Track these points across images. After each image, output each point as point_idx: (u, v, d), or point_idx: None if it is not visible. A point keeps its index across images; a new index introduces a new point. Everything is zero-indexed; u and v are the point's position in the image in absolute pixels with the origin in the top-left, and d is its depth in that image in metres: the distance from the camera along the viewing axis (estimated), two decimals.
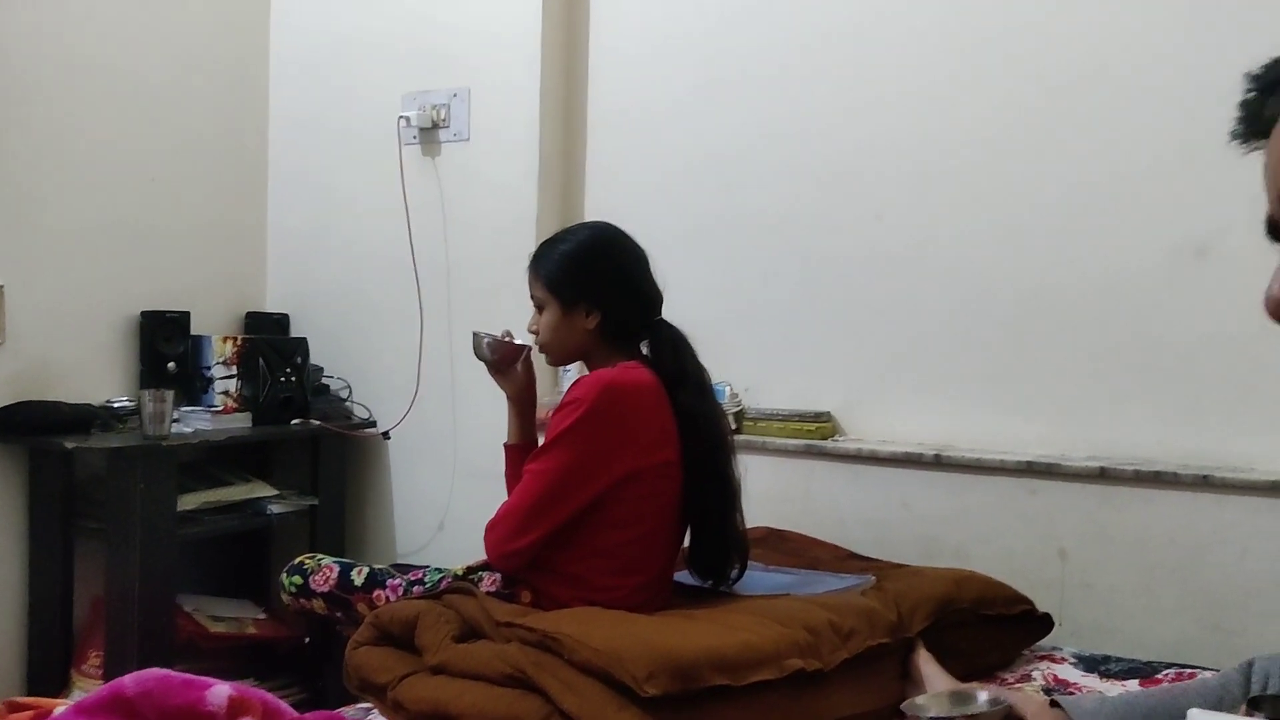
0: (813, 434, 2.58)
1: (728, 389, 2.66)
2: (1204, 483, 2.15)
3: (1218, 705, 1.52)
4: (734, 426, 2.62)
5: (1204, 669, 1.93)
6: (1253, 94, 0.69)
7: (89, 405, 2.73)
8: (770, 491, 2.56)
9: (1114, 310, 2.30)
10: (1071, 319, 2.35)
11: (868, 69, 2.58)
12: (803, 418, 2.61)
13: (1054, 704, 1.65)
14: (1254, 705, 1.09)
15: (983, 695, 1.13)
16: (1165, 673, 1.98)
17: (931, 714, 1.08)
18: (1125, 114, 2.29)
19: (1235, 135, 0.71)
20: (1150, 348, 2.26)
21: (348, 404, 3.15)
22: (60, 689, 2.62)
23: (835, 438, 2.60)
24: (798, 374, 2.68)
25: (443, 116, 2.98)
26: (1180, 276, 2.23)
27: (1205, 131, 2.17)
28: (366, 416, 3.13)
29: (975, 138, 2.45)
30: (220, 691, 1.23)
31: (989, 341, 2.45)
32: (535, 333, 2.03)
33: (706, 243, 2.78)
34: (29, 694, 2.58)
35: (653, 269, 2.04)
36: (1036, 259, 2.39)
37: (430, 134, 3.00)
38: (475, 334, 2.10)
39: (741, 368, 2.71)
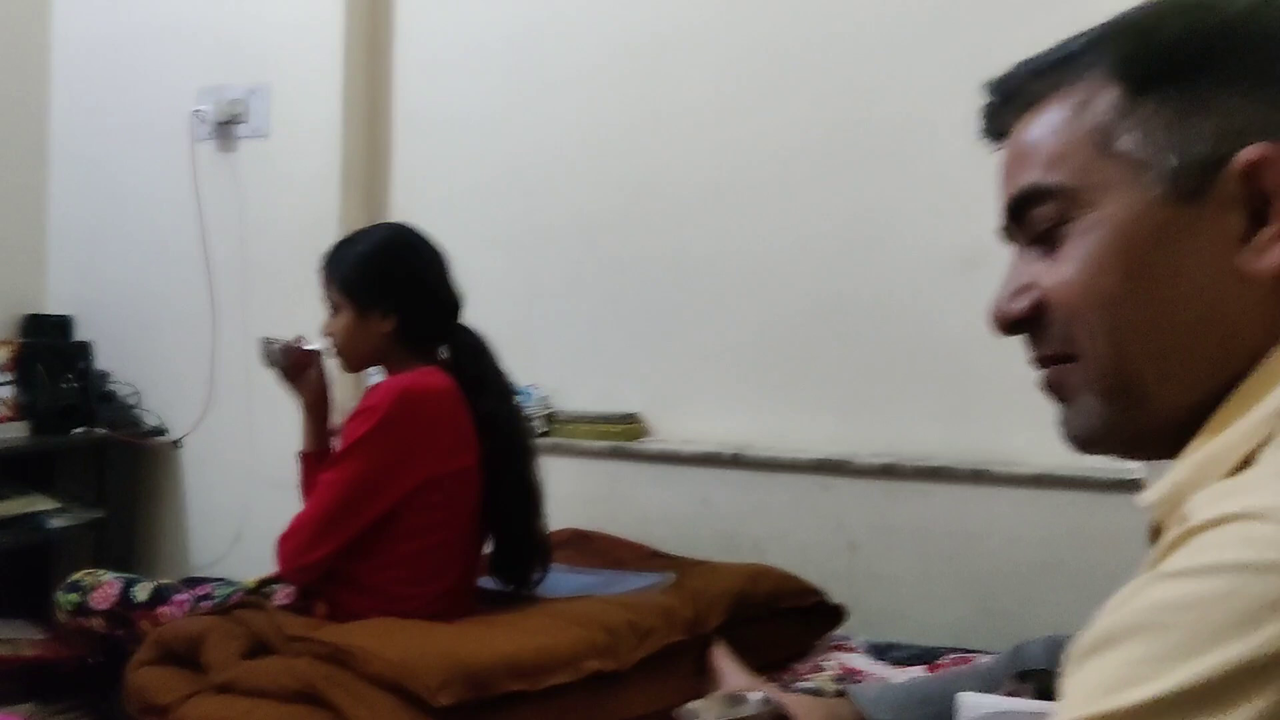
0: (619, 435, 2.62)
1: (535, 392, 2.67)
2: (977, 476, 2.29)
3: (988, 687, 1.63)
4: (543, 429, 2.63)
5: (980, 652, 2.05)
6: (992, 102, 0.73)
7: None
8: (578, 493, 2.58)
9: (897, 316, 2.43)
10: (860, 324, 2.46)
11: (670, 80, 2.63)
12: (609, 419, 2.64)
13: (841, 693, 1.73)
14: (1022, 678, 1.17)
15: (753, 696, 1.17)
16: (946, 657, 2.09)
17: (703, 717, 1.11)
18: (902, 132, 2.41)
19: (984, 136, 0.75)
20: (930, 351, 2.40)
21: (137, 411, 2.99)
22: None
23: (641, 439, 2.64)
24: (605, 376, 2.71)
25: (241, 112, 2.87)
26: (953, 285, 2.36)
27: (973, 152, 2.32)
28: (157, 424, 2.98)
29: (769, 150, 2.54)
30: None
31: (785, 344, 2.53)
32: (330, 336, 1.98)
33: (514, 246, 2.77)
34: None
35: (453, 272, 2.02)
36: (826, 266, 2.49)
37: (227, 129, 2.89)
38: (263, 340, 2.03)
39: (550, 370, 2.72)
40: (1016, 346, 2.38)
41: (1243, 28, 0.63)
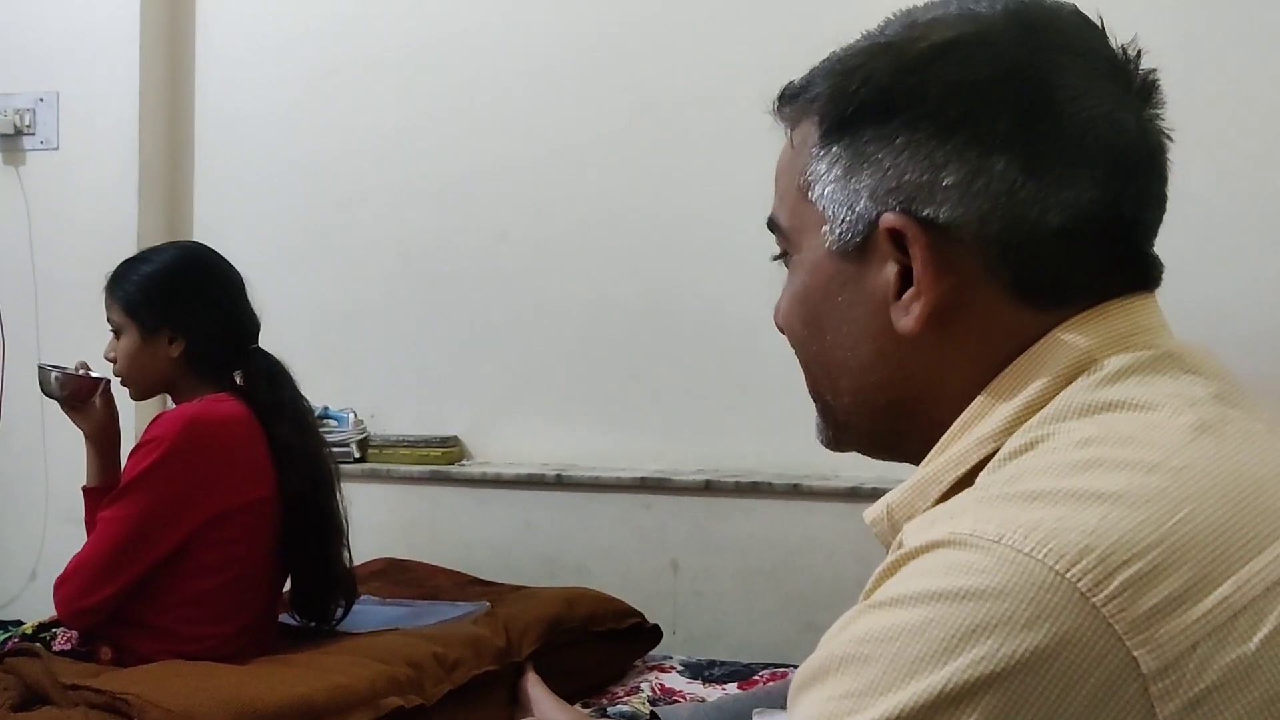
0: (439, 459, 2.55)
1: (352, 415, 2.59)
2: (795, 491, 2.32)
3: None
4: (358, 455, 2.55)
5: (796, 667, 2.07)
6: (792, 88, 0.72)
7: None
8: (396, 521, 2.51)
9: (717, 332, 2.44)
10: (680, 340, 2.46)
11: (486, 86, 2.58)
12: (429, 443, 2.57)
13: (653, 715, 1.72)
14: None
15: None
16: (762, 673, 2.10)
17: None
18: (725, 137, 2.40)
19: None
20: (749, 367, 2.41)
21: None
22: None
23: (462, 462, 2.58)
24: (425, 398, 2.64)
25: (27, 122, 2.69)
26: (770, 297, 2.39)
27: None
28: None
29: (585, 160, 2.52)
30: None
31: (607, 363, 2.52)
32: (113, 361, 1.87)
33: (328, 261, 2.68)
34: None
35: (249, 294, 1.93)
36: (646, 282, 2.49)
37: (13, 141, 2.70)
38: (41, 368, 1.91)
39: (367, 393, 2.63)
40: None
41: (911, 79, 0.63)
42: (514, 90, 2.56)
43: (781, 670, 2.09)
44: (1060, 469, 0.55)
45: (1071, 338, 0.61)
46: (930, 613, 0.50)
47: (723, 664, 2.16)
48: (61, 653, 1.76)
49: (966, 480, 0.61)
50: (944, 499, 0.61)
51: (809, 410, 2.45)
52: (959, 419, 0.63)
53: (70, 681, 1.59)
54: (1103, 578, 0.49)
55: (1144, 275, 0.65)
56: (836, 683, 0.52)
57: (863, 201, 0.64)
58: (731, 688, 2.01)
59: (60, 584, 1.75)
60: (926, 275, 0.62)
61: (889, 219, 0.62)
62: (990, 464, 0.60)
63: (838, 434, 0.72)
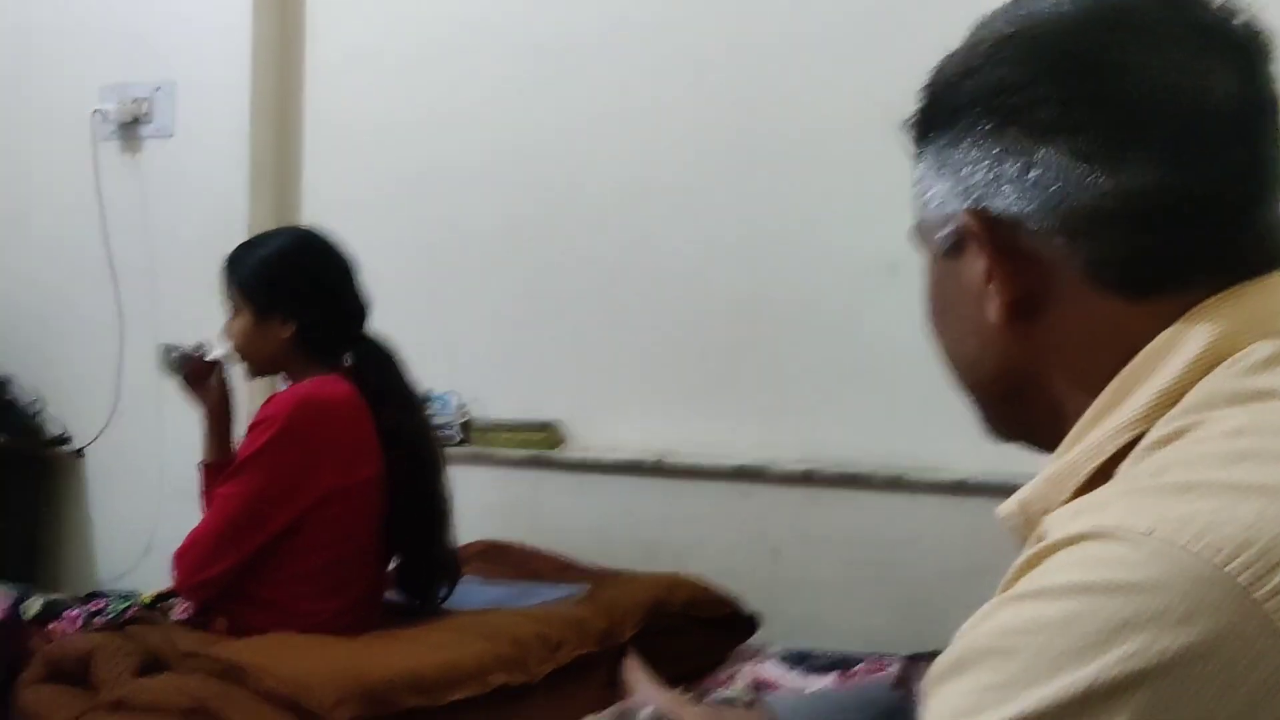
0: (539, 444, 2.57)
1: (455, 399, 2.62)
2: (898, 483, 2.28)
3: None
4: (460, 437, 2.58)
5: (899, 658, 2.04)
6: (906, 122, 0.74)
7: None
8: (496, 503, 2.53)
9: (818, 320, 2.41)
10: (781, 328, 2.44)
11: (589, 81, 2.59)
12: (529, 427, 2.59)
13: (751, 703, 1.71)
14: (910, 660, 1.16)
15: (644, 712, 1.15)
16: (861, 664, 2.07)
17: None
18: (828, 135, 2.39)
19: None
20: (851, 356, 2.38)
21: (39, 419, 2.89)
22: None
23: (561, 447, 2.60)
24: (525, 384, 2.66)
25: (145, 111, 2.78)
26: (876, 290, 2.35)
27: (900, 155, 2.32)
28: (59, 432, 2.87)
29: (688, 153, 2.51)
30: None
31: (706, 350, 2.51)
32: (230, 340, 1.92)
33: (432, 250, 2.72)
34: None
35: (360, 279, 1.97)
36: (747, 270, 2.47)
37: (131, 129, 2.80)
38: (163, 346, 1.97)
39: (469, 378, 2.66)
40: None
41: (971, 81, 0.66)
42: (618, 80, 2.57)
43: (884, 661, 2.06)
44: (1212, 460, 0.53)
45: (1204, 323, 0.59)
46: (1078, 606, 0.49)
47: (823, 654, 2.14)
48: (179, 622, 1.81)
49: (1104, 470, 0.60)
50: (1081, 491, 0.60)
51: (912, 402, 2.44)
52: (1090, 409, 0.62)
53: (188, 649, 1.64)
54: (1264, 572, 0.47)
55: (1270, 253, 0.62)
56: (977, 675, 0.51)
57: (948, 203, 0.67)
58: (831, 678, 1.99)
59: (179, 557, 1.81)
60: (999, 268, 0.64)
61: (961, 217, 0.65)
62: (1132, 454, 0.59)
63: (983, 425, 0.75)
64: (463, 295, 2.70)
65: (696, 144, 2.50)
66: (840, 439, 2.38)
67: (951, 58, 0.68)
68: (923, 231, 0.72)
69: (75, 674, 1.67)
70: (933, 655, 1.14)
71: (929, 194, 0.69)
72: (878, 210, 2.34)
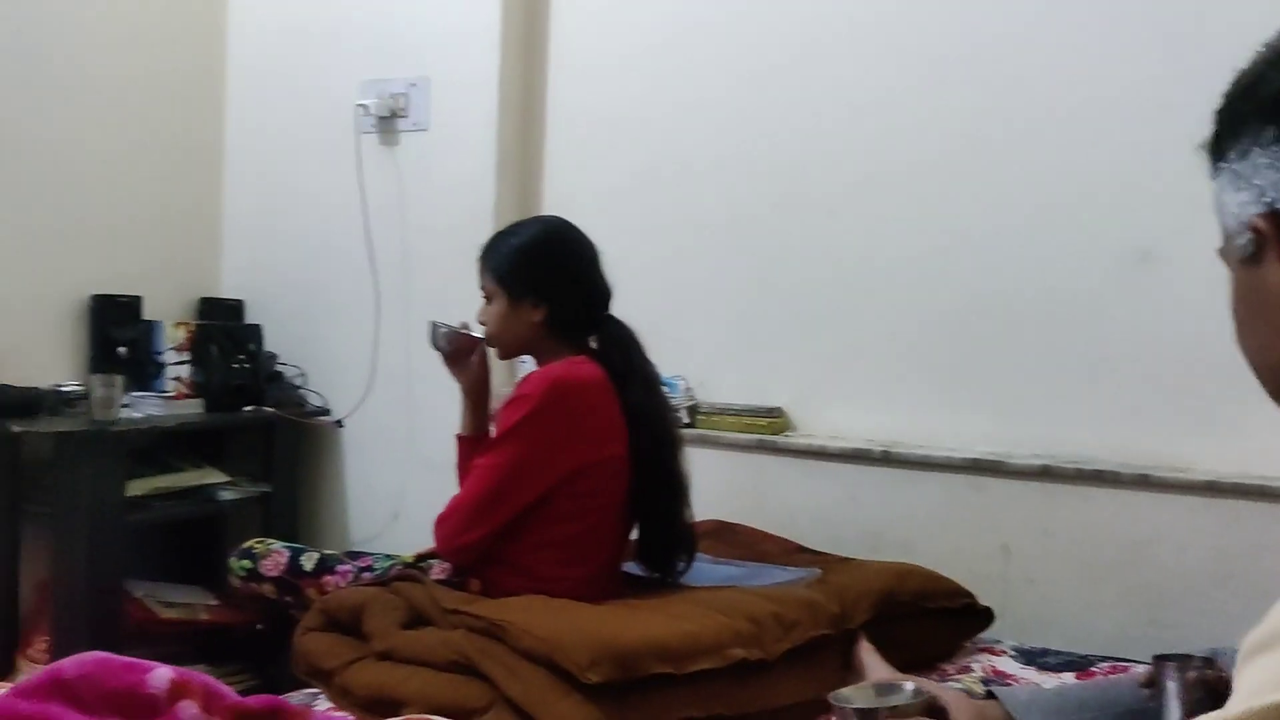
0: (765, 429, 2.61)
1: (681, 383, 2.68)
2: (1144, 481, 2.20)
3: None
4: (687, 421, 2.64)
5: (1139, 663, 1.97)
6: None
7: (36, 389, 2.70)
8: (722, 486, 2.58)
9: (1060, 311, 2.35)
10: (1019, 319, 2.39)
11: (824, 71, 2.60)
12: (755, 413, 2.64)
13: (990, 694, 1.70)
14: (1160, 660, 1.14)
15: (907, 686, 1.16)
16: (1101, 665, 2.02)
17: (856, 704, 1.11)
18: (1076, 121, 2.33)
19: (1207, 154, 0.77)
20: (1095, 349, 2.31)
21: (302, 392, 3.14)
22: (5, 674, 2.59)
23: (786, 433, 2.63)
24: (751, 369, 2.70)
25: (401, 105, 2.97)
26: (1125, 280, 2.28)
27: (1153, 139, 2.24)
28: (321, 405, 3.11)
29: (927, 139, 2.49)
30: (161, 675, 1.24)
31: (938, 339, 2.48)
32: (484, 324, 2.04)
33: (662, 238, 2.79)
34: None
35: (604, 265, 2.05)
36: (985, 259, 2.43)
37: (388, 123, 3.00)
38: (432, 323, 2.10)
39: (696, 362, 2.73)
40: (1191, 348, 2.33)
41: (1260, 88, 0.67)
42: (853, 69, 2.57)
43: (1123, 665, 2.00)
44: None
45: None
46: None
47: (1058, 653, 2.09)
48: (438, 581, 1.94)
49: None
50: None
51: (1159, 398, 2.34)
52: None
53: (450, 607, 1.76)
54: None
55: None
56: None
57: (1242, 212, 0.69)
58: (1068, 678, 1.95)
59: (440, 522, 1.94)
60: None
61: (1255, 221, 0.67)
62: None
63: None
64: (694, 282, 2.76)
65: (933, 132, 2.48)
66: (1081, 434, 2.32)
67: (1241, 71, 0.70)
68: (1225, 246, 0.73)
69: (348, 624, 1.82)
70: (1183, 657, 1.11)
71: (1227, 208, 0.71)
72: (1128, 196, 2.27)
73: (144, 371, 2.93)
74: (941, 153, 2.47)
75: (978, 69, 2.44)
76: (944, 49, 2.47)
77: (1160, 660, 1.09)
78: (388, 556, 2.09)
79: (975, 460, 2.36)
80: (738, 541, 2.34)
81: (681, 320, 2.74)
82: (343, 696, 1.70)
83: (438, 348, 2.10)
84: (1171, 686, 1.05)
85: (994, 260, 2.42)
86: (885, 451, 2.45)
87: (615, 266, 2.12)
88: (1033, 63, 2.38)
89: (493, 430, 2.02)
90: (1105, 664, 2.03)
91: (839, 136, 2.58)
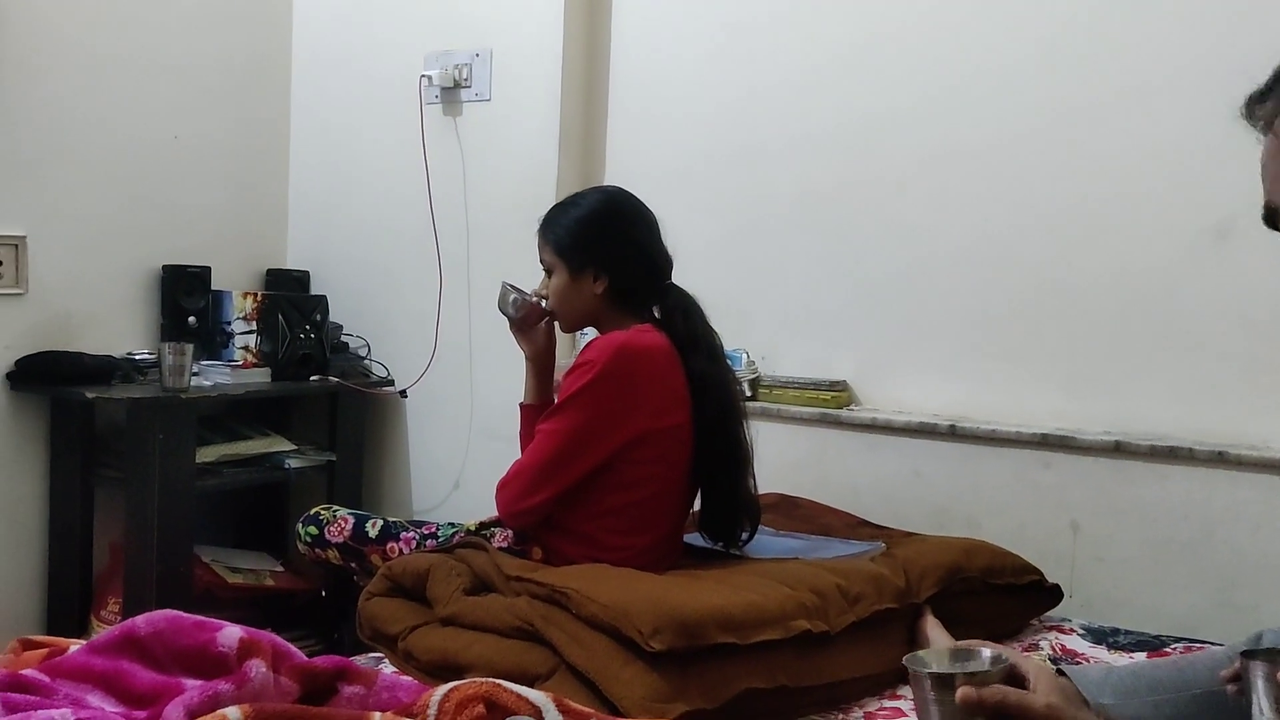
0: (828, 403, 2.58)
1: (744, 356, 2.67)
2: (1219, 459, 2.14)
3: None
4: (749, 394, 2.62)
5: (1212, 643, 1.93)
6: (1258, 91, 0.72)
7: (110, 357, 2.76)
8: (784, 459, 2.56)
9: (1134, 285, 2.29)
10: (1091, 293, 2.33)
11: (892, 39, 2.55)
12: (818, 386, 2.61)
13: (1060, 673, 1.66)
14: (1248, 657, 1.09)
15: (985, 653, 1.14)
16: (1174, 646, 1.98)
17: (933, 668, 1.09)
18: (1148, 94, 2.26)
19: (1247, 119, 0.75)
20: (1169, 324, 2.25)
21: (366, 362, 3.17)
22: (79, 634, 2.66)
23: (850, 407, 2.60)
24: (814, 342, 2.67)
25: (465, 76, 2.97)
26: (1201, 255, 2.21)
27: (1227, 113, 2.16)
28: (384, 375, 3.14)
29: (999, 114, 2.43)
30: (231, 633, 1.26)
31: (1006, 313, 2.43)
32: (545, 297, 2.04)
33: (726, 209, 2.77)
34: None
35: (664, 235, 2.04)
36: (1056, 233, 2.37)
37: (452, 94, 3.00)
38: (505, 285, 2.08)
39: (758, 335, 2.71)
40: (1269, 324, 2.26)
41: None
42: (922, 44, 2.51)
43: (1197, 645, 1.96)
44: None
45: None
46: None
47: (1128, 633, 2.05)
48: (500, 549, 1.95)
49: None
50: None
51: (1235, 375, 2.28)
52: None
53: (513, 573, 1.76)
54: None
55: None
56: None
57: None
58: (1139, 657, 1.91)
59: (502, 487, 1.95)
60: None
61: None
62: None
63: None
64: (757, 254, 2.73)
65: (1004, 105, 2.42)
66: (1154, 411, 2.26)
67: None
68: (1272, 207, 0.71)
69: (412, 590, 1.84)
70: (1272, 653, 1.07)
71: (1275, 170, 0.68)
72: (1205, 171, 2.20)
73: (213, 340, 2.99)
74: (1013, 127, 2.41)
75: (1049, 45, 2.37)
76: (1016, 26, 2.41)
77: (1247, 656, 1.05)
78: (451, 524, 2.11)
79: (1044, 436, 2.31)
80: (800, 515, 2.33)
81: (744, 293, 2.72)
82: (407, 661, 1.72)
83: (506, 313, 2.09)
84: (1260, 685, 1.01)
85: (1066, 234, 2.36)
86: (952, 426, 2.41)
87: (677, 239, 2.10)
88: (1105, 35, 2.31)
89: (556, 399, 2.01)
90: (1178, 644, 1.99)
91: (909, 111, 2.53)
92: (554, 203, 2.17)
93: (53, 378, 2.65)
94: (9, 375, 2.66)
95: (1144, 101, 2.27)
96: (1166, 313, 2.25)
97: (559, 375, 2.19)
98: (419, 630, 1.75)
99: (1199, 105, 2.20)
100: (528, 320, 2.07)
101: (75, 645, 1.36)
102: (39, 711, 1.10)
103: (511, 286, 2.08)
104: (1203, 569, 2.17)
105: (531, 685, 1.50)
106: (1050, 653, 1.94)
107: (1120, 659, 1.90)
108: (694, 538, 2.07)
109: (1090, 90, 2.33)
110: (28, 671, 1.23)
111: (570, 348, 2.83)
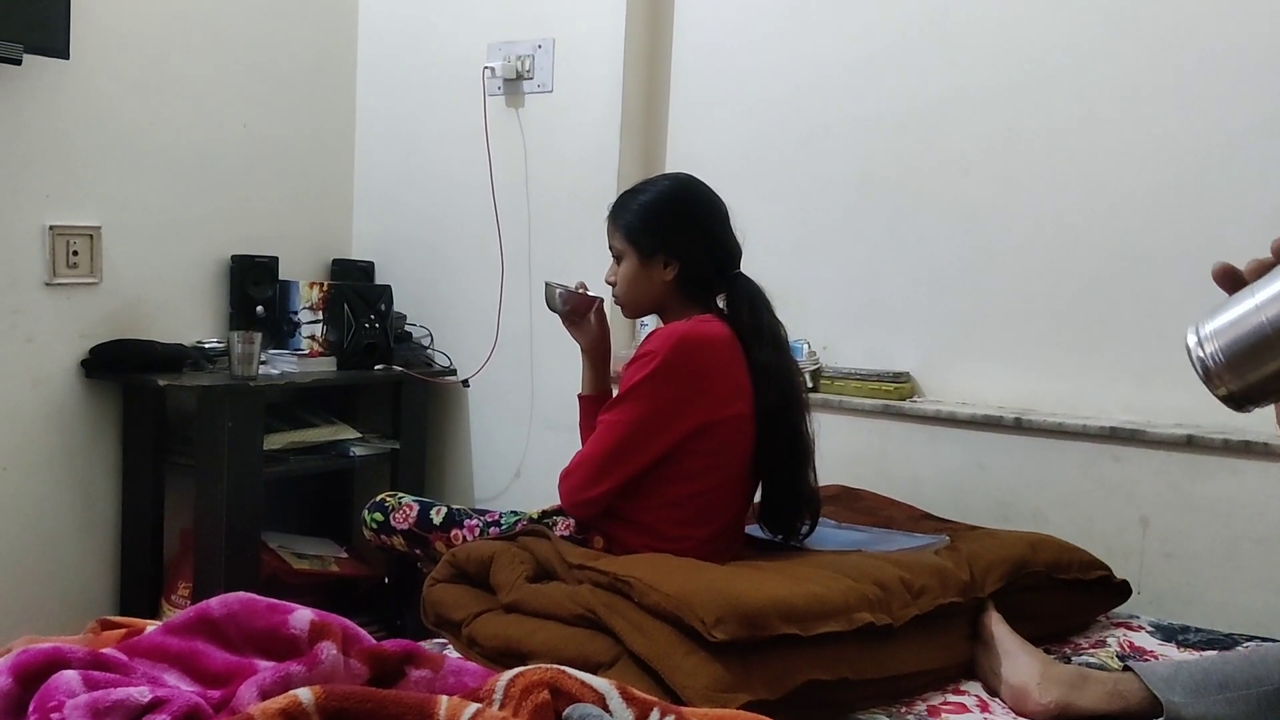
0: (891, 394, 2.56)
1: (805, 346, 2.65)
2: None
3: None
4: (810, 385, 2.61)
5: None
6: None
7: (181, 345, 2.82)
8: (846, 451, 2.55)
9: (1207, 273, 2.21)
10: (1162, 280, 2.28)
11: (957, 22, 2.52)
12: (881, 378, 2.59)
13: (1127, 668, 1.64)
14: None
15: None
16: (1246, 644, 1.94)
17: None
18: (1222, 69, 2.21)
19: None
20: None
21: (429, 351, 3.21)
22: (152, 616, 2.73)
23: (913, 399, 2.57)
24: (876, 332, 2.65)
25: (527, 67, 2.99)
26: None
27: None
28: (447, 364, 3.18)
29: (1066, 93, 2.38)
30: (303, 616, 1.28)
31: (1073, 302, 2.39)
32: (612, 284, 2.04)
33: (788, 198, 2.75)
34: None
35: (732, 223, 2.03)
36: (1125, 218, 2.32)
37: (514, 85, 3.02)
38: (548, 284, 2.11)
39: (820, 326, 2.69)
40: None
41: None
42: (987, 22, 2.48)
43: (1270, 643, 1.91)
44: None
45: None
46: None
47: (1199, 630, 2.01)
48: (563, 537, 1.96)
49: None
50: None
51: None
52: None
53: (575, 562, 1.77)
54: None
55: None
56: None
57: None
58: (1210, 655, 1.87)
59: (564, 477, 1.96)
60: None
61: None
62: None
63: None
64: (819, 244, 2.72)
65: (1073, 86, 2.37)
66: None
67: None
68: None
69: (476, 576, 1.85)
70: None
71: None
72: None
73: (280, 329, 3.04)
74: (1082, 108, 2.37)
75: (1119, 23, 2.32)
76: (1086, 4, 2.36)
77: None
78: (513, 512, 2.12)
79: (1113, 429, 2.27)
80: (862, 507, 2.31)
81: (805, 282, 2.71)
82: (470, 647, 1.73)
83: (554, 309, 2.11)
84: None
85: (1136, 219, 2.31)
86: (1018, 419, 2.38)
87: (739, 227, 2.09)
88: (1178, 13, 2.26)
89: (614, 389, 2.02)
90: (1250, 642, 1.94)
91: (974, 92, 2.49)
92: (616, 192, 2.17)
93: (125, 365, 2.71)
94: (84, 363, 2.73)
95: (1218, 81, 2.21)
96: None
97: (617, 366, 2.21)
98: (483, 617, 1.76)
99: (1274, 83, 2.14)
100: (576, 312, 2.09)
101: (152, 626, 1.39)
102: (118, 689, 1.13)
103: (555, 283, 2.10)
104: (1276, 566, 2.12)
105: (594, 673, 1.51)
106: (1119, 649, 1.91)
107: (1191, 657, 1.86)
108: (754, 530, 2.06)
109: (1162, 70, 2.28)
110: (107, 650, 1.27)
111: (630, 337, 2.84)
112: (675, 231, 1.97)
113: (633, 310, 2.06)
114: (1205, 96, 2.23)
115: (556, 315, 2.15)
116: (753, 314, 1.96)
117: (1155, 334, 2.29)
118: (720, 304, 2.02)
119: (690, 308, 1.98)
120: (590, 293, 2.12)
